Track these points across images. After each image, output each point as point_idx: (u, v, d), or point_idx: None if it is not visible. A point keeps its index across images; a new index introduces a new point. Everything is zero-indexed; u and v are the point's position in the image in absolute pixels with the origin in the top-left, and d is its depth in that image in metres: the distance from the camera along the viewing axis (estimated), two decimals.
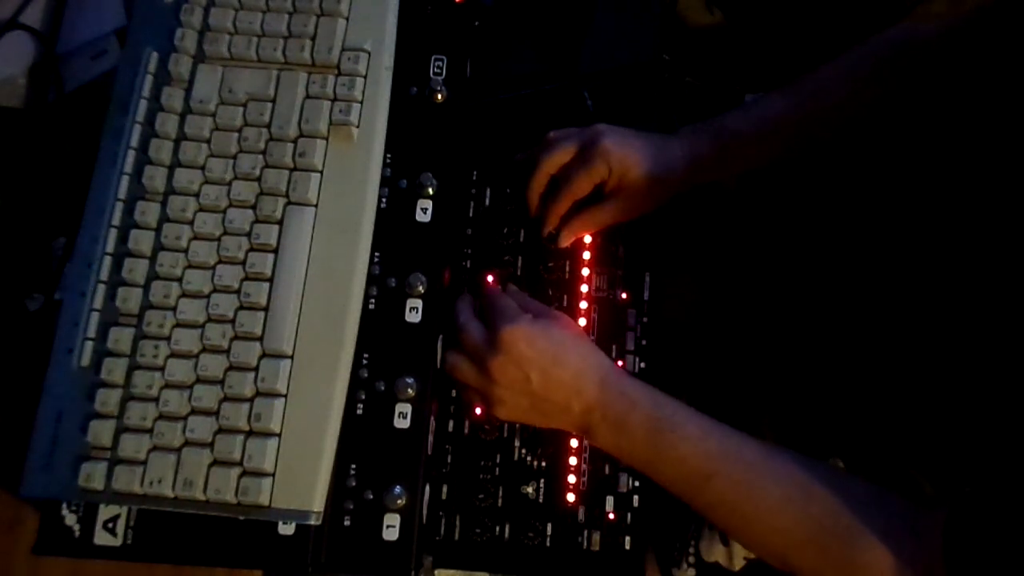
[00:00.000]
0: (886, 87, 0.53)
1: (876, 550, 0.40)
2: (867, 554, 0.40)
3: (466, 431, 0.53)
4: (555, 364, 0.47)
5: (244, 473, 0.44)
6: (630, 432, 0.46)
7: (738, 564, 0.58)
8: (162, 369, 0.46)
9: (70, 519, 0.46)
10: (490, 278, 0.55)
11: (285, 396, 0.45)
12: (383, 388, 0.47)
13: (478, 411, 0.52)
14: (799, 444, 0.61)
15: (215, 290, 0.47)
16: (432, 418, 0.49)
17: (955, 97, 0.52)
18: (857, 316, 0.59)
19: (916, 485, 0.53)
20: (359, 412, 0.47)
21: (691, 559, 0.60)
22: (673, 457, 0.45)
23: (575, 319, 0.54)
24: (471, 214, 0.56)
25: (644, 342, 0.55)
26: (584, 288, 0.55)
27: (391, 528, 0.46)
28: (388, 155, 0.51)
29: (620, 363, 0.54)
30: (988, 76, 0.48)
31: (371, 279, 0.49)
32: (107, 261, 0.47)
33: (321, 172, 0.49)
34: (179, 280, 0.47)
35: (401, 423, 0.47)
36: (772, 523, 0.43)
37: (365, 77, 0.50)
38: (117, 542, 0.46)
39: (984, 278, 0.46)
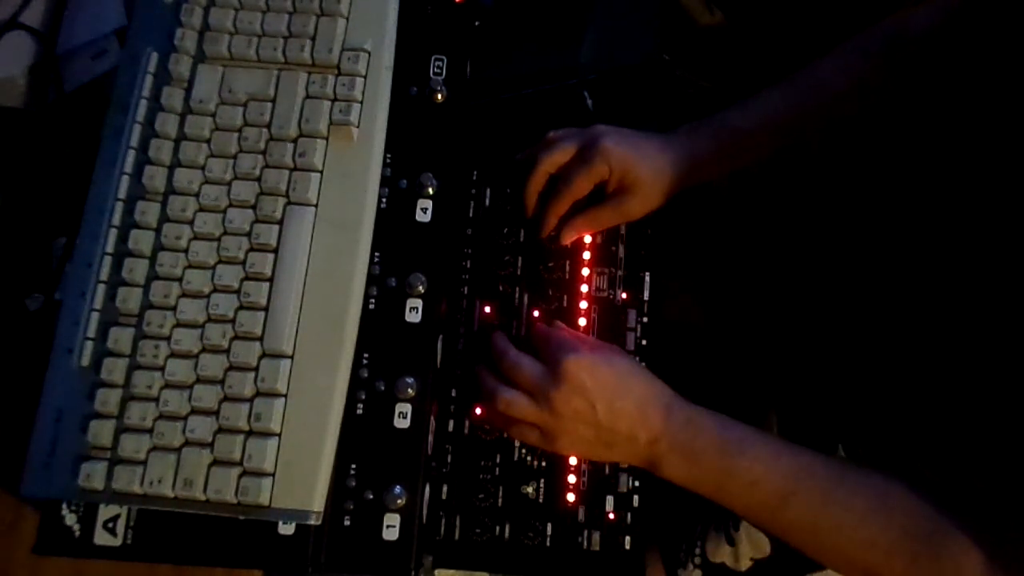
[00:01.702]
0: (882, 78, 0.53)
1: (965, 554, 0.40)
2: (957, 558, 0.40)
3: (466, 431, 0.53)
4: (619, 394, 0.47)
5: (244, 473, 0.44)
6: (700, 459, 0.46)
7: (744, 565, 0.58)
8: (162, 369, 0.46)
9: (70, 519, 0.46)
10: (536, 313, 0.54)
11: (285, 396, 0.45)
12: (383, 388, 0.47)
13: (478, 411, 0.52)
14: (803, 443, 0.61)
15: (215, 290, 0.47)
16: (432, 418, 0.49)
17: (953, 87, 0.52)
18: (857, 310, 0.59)
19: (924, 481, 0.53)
20: (359, 412, 0.47)
21: (697, 559, 0.60)
22: (747, 480, 0.45)
23: (575, 319, 0.54)
24: (471, 214, 0.56)
25: (644, 342, 0.55)
26: (584, 288, 0.55)
27: (391, 528, 0.46)
28: (388, 155, 0.51)
29: None
30: (986, 66, 0.48)
31: (371, 279, 0.49)
32: (107, 261, 0.47)
33: (321, 172, 0.49)
34: (179, 280, 0.47)
35: (401, 423, 0.47)
36: (856, 536, 0.43)
37: (365, 77, 0.50)
38: (117, 542, 0.46)
39: (984, 268, 0.46)
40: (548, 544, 0.51)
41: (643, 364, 0.53)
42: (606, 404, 0.46)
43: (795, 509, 0.44)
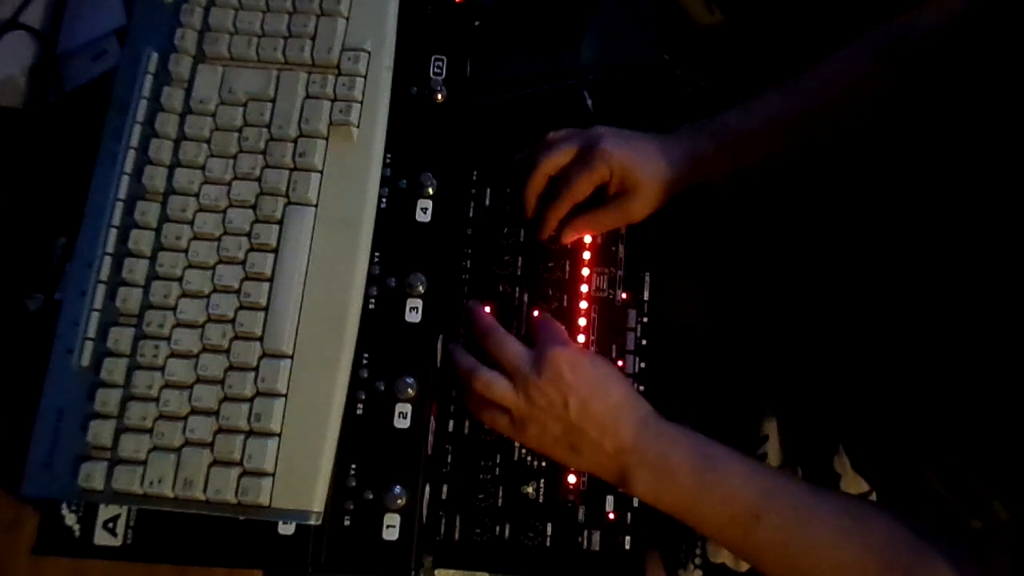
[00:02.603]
0: (885, 79, 0.53)
1: None
2: None
3: (466, 431, 0.53)
4: (595, 395, 0.46)
5: (244, 473, 0.44)
6: (671, 473, 0.45)
7: (744, 565, 0.58)
8: (162, 369, 0.46)
9: (70, 519, 0.46)
10: (536, 313, 0.54)
11: (285, 396, 0.45)
12: (383, 388, 0.47)
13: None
14: (803, 444, 0.61)
15: (215, 290, 0.47)
16: (432, 418, 0.49)
17: (955, 89, 0.51)
18: (858, 311, 0.59)
19: (926, 483, 0.53)
20: (359, 412, 0.47)
21: (697, 560, 0.59)
22: (719, 497, 0.44)
23: (575, 319, 0.54)
24: (471, 214, 0.56)
25: (644, 342, 0.55)
26: (584, 288, 0.55)
27: (391, 528, 0.46)
28: (388, 155, 0.51)
29: (620, 363, 0.54)
30: (987, 67, 0.48)
31: (371, 279, 0.49)
32: (107, 261, 0.47)
33: (321, 172, 0.49)
34: (179, 280, 0.47)
35: (401, 423, 0.47)
36: (829, 558, 0.41)
37: (365, 77, 0.50)
38: (117, 542, 0.46)
39: (986, 270, 0.46)
40: (548, 544, 0.51)
41: (591, 337, 0.54)
42: (580, 403, 0.46)
43: (768, 528, 0.43)
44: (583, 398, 0.46)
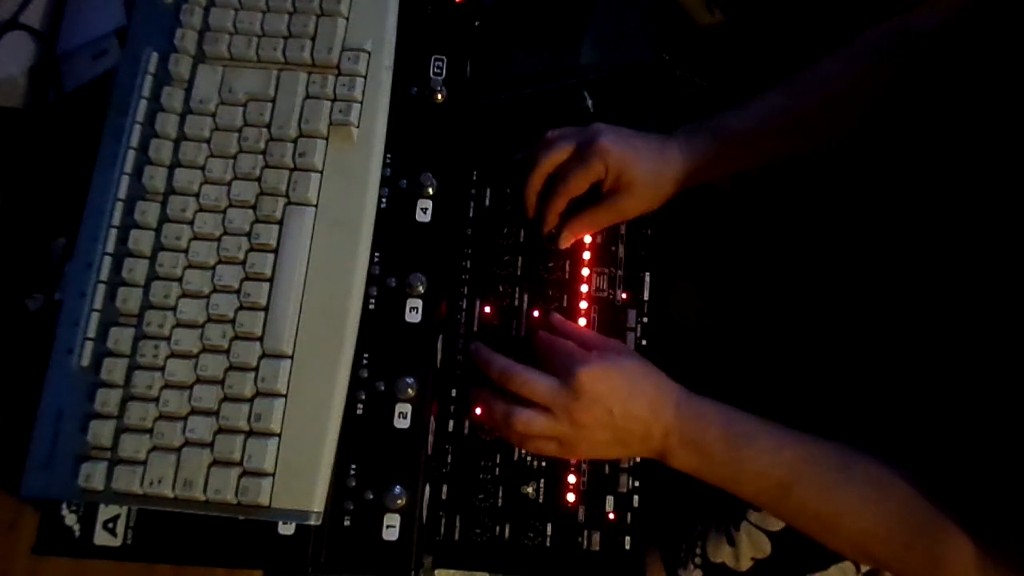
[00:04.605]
0: (885, 79, 0.53)
1: (956, 543, 0.42)
2: (948, 547, 0.42)
3: (466, 431, 0.53)
4: (632, 395, 0.48)
5: (244, 473, 0.44)
6: (707, 451, 0.47)
7: (745, 564, 0.58)
8: (162, 369, 0.46)
9: (70, 519, 0.46)
10: (536, 313, 0.54)
11: (285, 396, 0.45)
12: (383, 388, 0.47)
13: (478, 411, 0.52)
14: None
15: (215, 290, 0.47)
16: (432, 418, 0.49)
17: (954, 89, 0.51)
18: (859, 310, 0.59)
19: None
20: (359, 412, 0.47)
21: (697, 559, 0.59)
22: (752, 472, 0.47)
23: (575, 319, 0.54)
24: (471, 214, 0.56)
25: (644, 342, 0.55)
26: (584, 288, 0.55)
27: (391, 528, 0.46)
28: (388, 155, 0.51)
29: None
30: (988, 67, 0.48)
31: (371, 279, 0.49)
32: (107, 261, 0.47)
33: (321, 172, 0.49)
34: (179, 280, 0.47)
35: (401, 423, 0.47)
36: (853, 524, 0.45)
37: (365, 77, 0.50)
38: (117, 542, 0.46)
39: (986, 267, 0.46)
40: (548, 544, 0.51)
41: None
42: (622, 407, 0.47)
43: (797, 498, 0.46)
44: (623, 402, 0.48)
